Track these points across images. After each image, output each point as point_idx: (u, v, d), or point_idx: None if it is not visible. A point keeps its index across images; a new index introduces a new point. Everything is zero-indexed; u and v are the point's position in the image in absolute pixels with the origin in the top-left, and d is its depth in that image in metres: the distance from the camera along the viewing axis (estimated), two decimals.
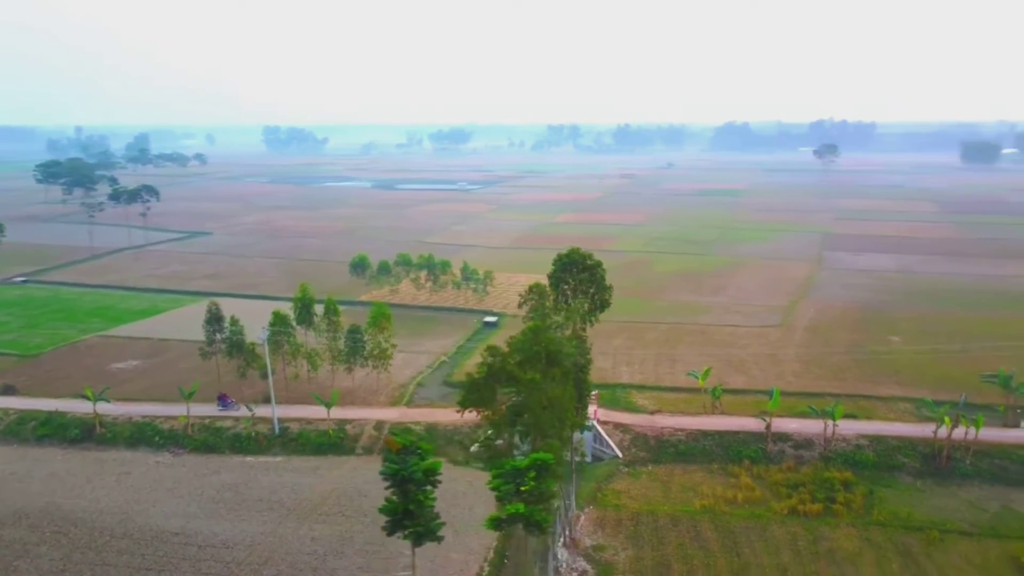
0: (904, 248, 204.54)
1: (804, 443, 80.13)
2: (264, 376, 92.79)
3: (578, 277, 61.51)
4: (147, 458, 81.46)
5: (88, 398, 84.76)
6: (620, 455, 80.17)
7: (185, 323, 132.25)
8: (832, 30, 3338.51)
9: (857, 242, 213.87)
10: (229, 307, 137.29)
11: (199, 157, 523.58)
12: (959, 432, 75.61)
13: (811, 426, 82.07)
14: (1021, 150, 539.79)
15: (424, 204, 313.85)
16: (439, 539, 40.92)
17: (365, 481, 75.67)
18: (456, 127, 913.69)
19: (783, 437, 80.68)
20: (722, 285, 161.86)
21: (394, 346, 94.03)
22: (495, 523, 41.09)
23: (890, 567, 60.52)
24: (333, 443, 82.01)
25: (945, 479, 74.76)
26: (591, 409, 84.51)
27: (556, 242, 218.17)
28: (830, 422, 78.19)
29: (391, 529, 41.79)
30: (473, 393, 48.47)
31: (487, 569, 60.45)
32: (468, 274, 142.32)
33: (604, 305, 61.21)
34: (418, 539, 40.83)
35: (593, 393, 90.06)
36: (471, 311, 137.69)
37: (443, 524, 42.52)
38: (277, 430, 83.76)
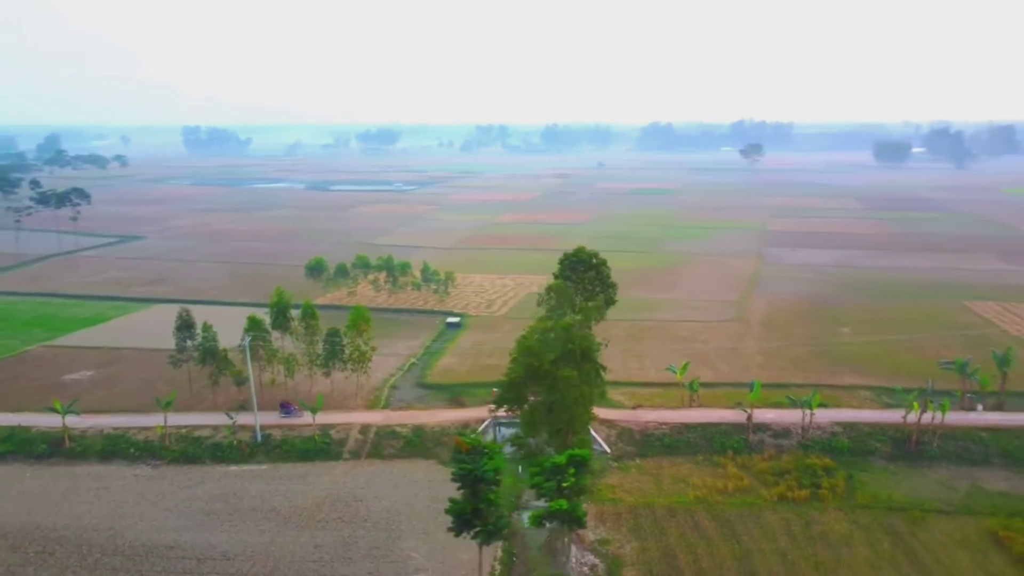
0: (838, 244, 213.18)
1: (782, 432, 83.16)
2: (238, 383, 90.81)
3: (585, 276, 62.35)
4: (123, 471, 78.43)
5: (56, 411, 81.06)
6: (608, 450, 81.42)
7: (136, 331, 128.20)
8: (749, 35, 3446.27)
9: (794, 238, 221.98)
10: (169, 312, 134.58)
11: (119, 159, 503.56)
12: (927, 417, 79.78)
13: (787, 416, 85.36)
14: (928, 150, 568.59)
15: (363, 205, 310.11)
16: (505, 537, 41.00)
17: (357, 486, 75.08)
18: (383, 127, 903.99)
19: (762, 427, 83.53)
20: (674, 282, 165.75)
21: (373, 349, 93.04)
22: (537, 519, 41.41)
23: (881, 546, 63.52)
24: (319, 449, 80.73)
25: (915, 462, 78.80)
26: None
27: (503, 242, 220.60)
28: (807, 411, 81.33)
29: (459, 529, 41.74)
30: (511, 392, 48.70)
31: (498, 568, 60.64)
32: (428, 275, 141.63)
33: (610, 302, 62.17)
34: (488, 538, 40.84)
35: None
36: (432, 312, 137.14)
37: (510, 522, 42.49)
38: (260, 438, 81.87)
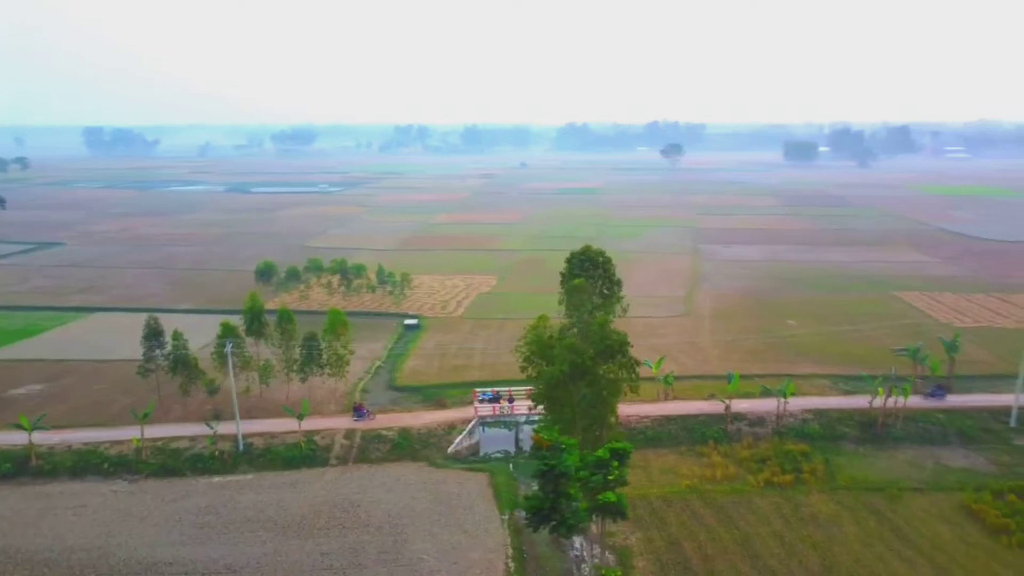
0: (766, 240, 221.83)
1: (757, 421, 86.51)
2: (211, 392, 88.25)
3: (594, 273, 63.42)
4: (98, 488, 74.93)
5: (23, 427, 76.73)
6: None
7: (78, 341, 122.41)
8: (661, 38, 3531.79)
9: (724, 235, 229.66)
10: (123, 322, 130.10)
11: (20, 161, 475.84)
12: (890, 401, 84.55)
13: (760, 405, 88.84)
14: (831, 149, 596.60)
15: (290, 208, 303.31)
16: (584, 531, 41.58)
17: (351, 491, 74.07)
18: (298, 127, 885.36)
19: (738, 417, 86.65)
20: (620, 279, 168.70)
21: (351, 352, 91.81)
22: (587, 513, 42.26)
23: (868, 524, 67.11)
24: (305, 456, 79.18)
25: (882, 444, 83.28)
26: None
27: (444, 242, 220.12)
28: (782, 399, 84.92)
29: (536, 523, 42.13)
30: (557, 390, 49.41)
31: (512, 566, 61.12)
32: (384, 277, 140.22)
33: (616, 299, 63.43)
34: (568, 531, 41.39)
35: None
36: (388, 315, 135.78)
37: (589, 517, 42.88)
38: (242, 447, 79.70)
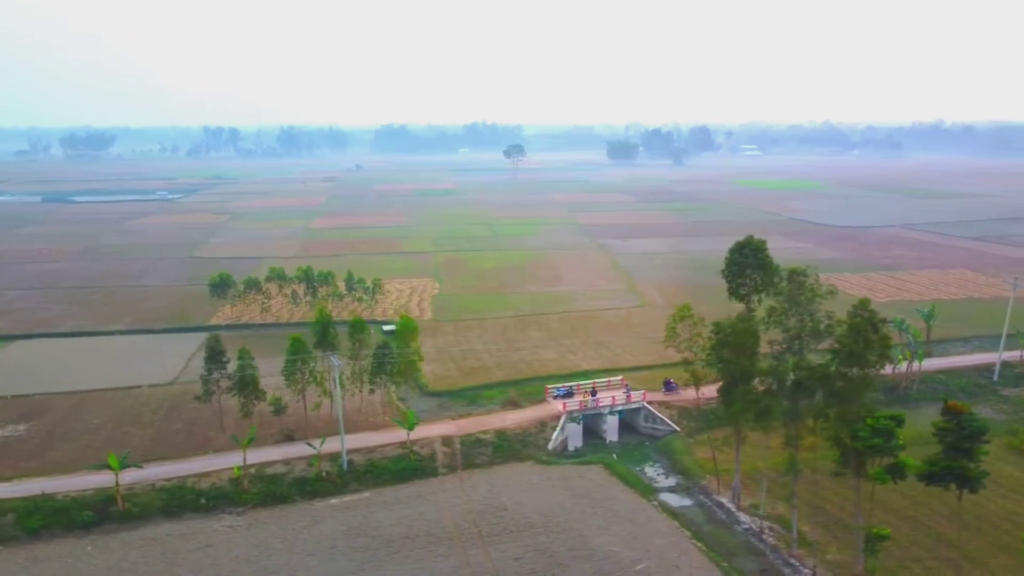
0: (652, 233, 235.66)
1: None
2: (276, 412, 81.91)
3: (753, 261, 66.69)
4: (206, 525, 67.62)
5: (112, 468, 67.24)
6: (678, 428, 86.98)
7: (21, 373, 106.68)
8: (475, 41, 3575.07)
9: (611, 230, 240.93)
10: (55, 349, 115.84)
11: None
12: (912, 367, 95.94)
13: None
14: (646, 149, 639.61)
15: (140, 217, 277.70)
16: (982, 487, 44.85)
17: (485, 497, 72.67)
18: (89, 129, 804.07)
19: None
20: (552, 276, 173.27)
21: (422, 358, 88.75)
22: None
23: None
24: (413, 467, 76.13)
25: (907, 404, 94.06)
26: (638, 392, 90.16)
27: (347, 247, 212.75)
28: None
29: (931, 480, 44.99)
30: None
31: (700, 545, 63.56)
32: (353, 284, 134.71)
33: (769, 285, 67.09)
34: (972, 488, 44.52)
35: (619, 378, 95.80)
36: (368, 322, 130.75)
37: (987, 473, 45.95)
38: (346, 465, 75.08)
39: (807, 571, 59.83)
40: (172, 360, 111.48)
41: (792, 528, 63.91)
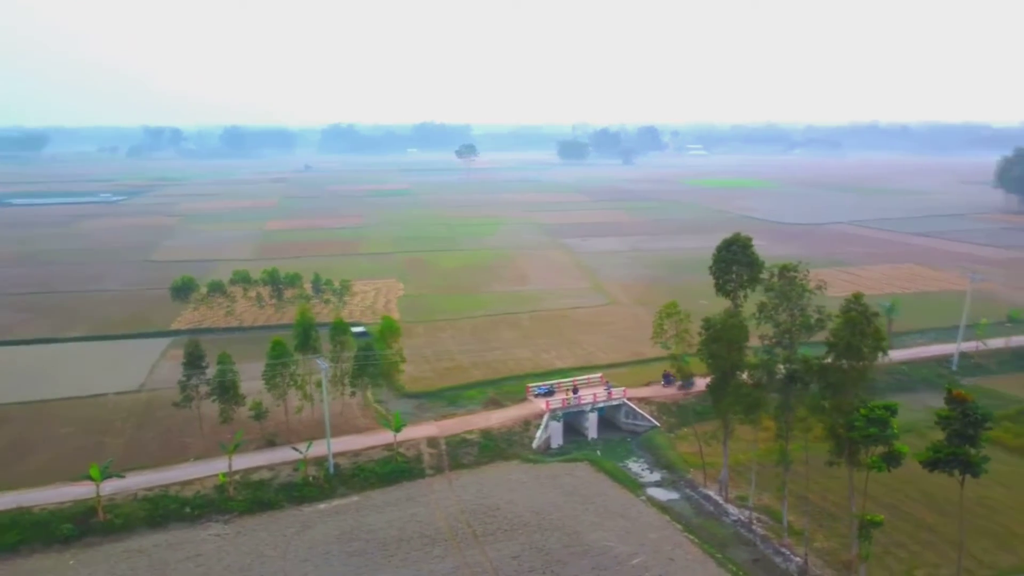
0: (611, 232, 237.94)
1: None
2: (257, 417, 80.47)
3: (739, 257, 67.84)
4: (193, 535, 66.06)
5: (92, 479, 65.16)
6: (658, 424, 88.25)
7: None
8: (423, 40, 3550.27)
9: (571, 230, 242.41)
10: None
11: None
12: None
13: None
14: (595, 148, 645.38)
15: (85, 220, 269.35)
16: (984, 471, 46.26)
17: (477, 497, 72.63)
18: (14, 129, 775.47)
19: None
20: (517, 275, 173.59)
21: (404, 360, 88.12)
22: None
23: None
24: (401, 469, 75.68)
25: (873, 395, 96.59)
26: (619, 389, 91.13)
27: (305, 249, 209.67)
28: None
29: (935, 467, 46.33)
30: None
31: (693, 538, 64.74)
32: (321, 286, 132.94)
33: (755, 281, 68.40)
34: (974, 471, 45.90)
35: (598, 375, 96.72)
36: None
37: (989, 459, 47.38)
38: (332, 469, 74.21)
39: (798, 559, 61.42)
40: (136, 367, 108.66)
41: (783, 518, 65.50)
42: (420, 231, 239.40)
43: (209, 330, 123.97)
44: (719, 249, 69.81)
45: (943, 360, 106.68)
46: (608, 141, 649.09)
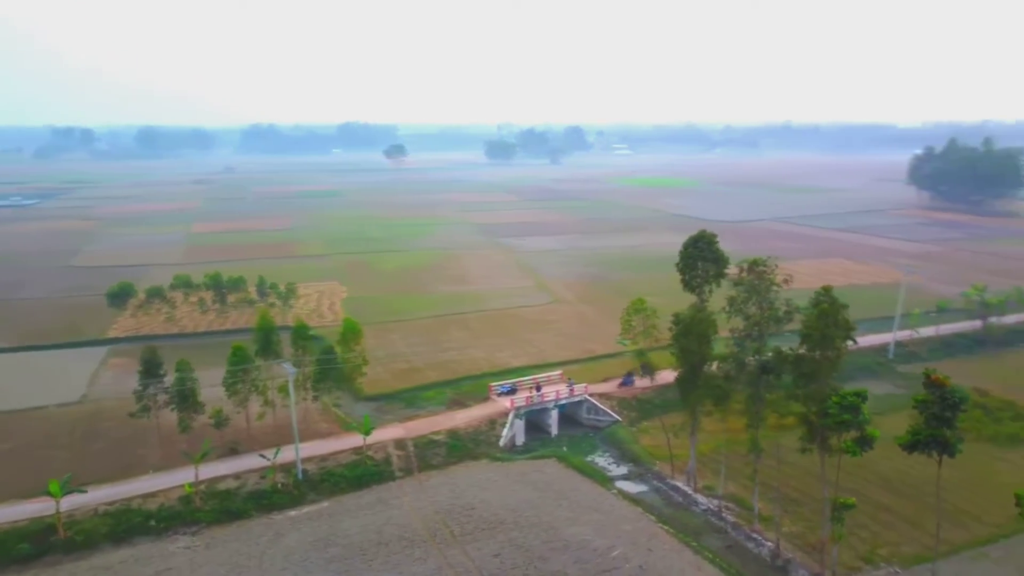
0: (547, 231, 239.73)
1: None
2: (217, 425, 78.19)
3: (706, 253, 69.44)
4: (160, 549, 63.62)
5: (52, 494, 62.02)
6: (619, 418, 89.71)
7: None
8: (344, 39, 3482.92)
9: (509, 229, 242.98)
10: None
11: None
12: None
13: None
14: (522, 148, 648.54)
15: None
16: (960, 451, 48.24)
17: (448, 497, 72.43)
18: None
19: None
20: (459, 275, 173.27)
21: (366, 362, 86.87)
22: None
23: None
24: (371, 472, 74.78)
25: None
26: (580, 386, 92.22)
27: (237, 253, 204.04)
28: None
29: (915, 448, 48.16)
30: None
31: (667, 528, 66.24)
32: (266, 290, 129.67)
33: (721, 276, 70.29)
34: (950, 451, 47.87)
35: (558, 373, 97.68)
36: (282, 328, 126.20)
37: (963, 439, 49.29)
38: (301, 474, 72.74)
39: (770, 544, 63.59)
40: (75, 377, 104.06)
41: (752, 506, 67.62)
42: (355, 232, 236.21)
43: (149, 337, 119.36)
44: (686, 246, 71.59)
45: (880, 349, 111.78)
46: (535, 141, 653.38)
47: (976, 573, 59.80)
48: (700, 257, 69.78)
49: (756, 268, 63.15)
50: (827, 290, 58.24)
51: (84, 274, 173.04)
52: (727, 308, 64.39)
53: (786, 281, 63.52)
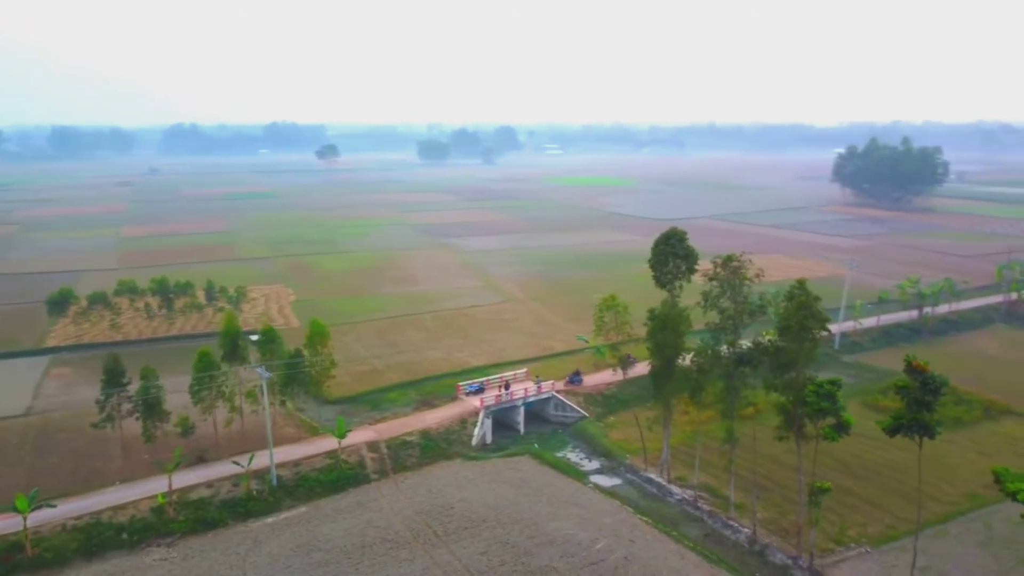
0: (489, 231, 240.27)
1: None
2: (185, 433, 76.17)
3: (677, 250, 70.88)
4: (135, 562, 61.53)
5: (19, 510, 59.24)
6: (587, 414, 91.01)
7: None
8: (268, 35, 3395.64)
9: (450, 230, 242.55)
10: None
11: None
12: None
13: None
14: (456, 148, 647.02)
15: None
16: (938, 433, 50.48)
17: (426, 498, 72.34)
18: None
19: None
20: (406, 276, 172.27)
21: (334, 364, 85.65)
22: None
23: None
24: (346, 476, 74.02)
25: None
26: (548, 383, 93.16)
27: (173, 257, 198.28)
28: None
29: (896, 432, 50.16)
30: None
31: (646, 519, 67.74)
32: (215, 294, 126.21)
33: (691, 272, 71.95)
34: (931, 435, 50.04)
35: (523, 371, 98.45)
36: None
37: (941, 422, 51.48)
38: (275, 480, 71.45)
39: (747, 530, 65.75)
40: (17, 389, 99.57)
41: (728, 494, 69.75)
42: (294, 234, 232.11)
43: (92, 345, 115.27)
44: (657, 243, 73.14)
45: (825, 340, 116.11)
46: (467, 141, 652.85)
47: (941, 549, 63.06)
48: (672, 254, 71.45)
49: (730, 263, 65.10)
50: (802, 283, 60.71)
51: (11, 281, 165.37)
52: (702, 303, 66.17)
53: (758, 275, 65.69)
